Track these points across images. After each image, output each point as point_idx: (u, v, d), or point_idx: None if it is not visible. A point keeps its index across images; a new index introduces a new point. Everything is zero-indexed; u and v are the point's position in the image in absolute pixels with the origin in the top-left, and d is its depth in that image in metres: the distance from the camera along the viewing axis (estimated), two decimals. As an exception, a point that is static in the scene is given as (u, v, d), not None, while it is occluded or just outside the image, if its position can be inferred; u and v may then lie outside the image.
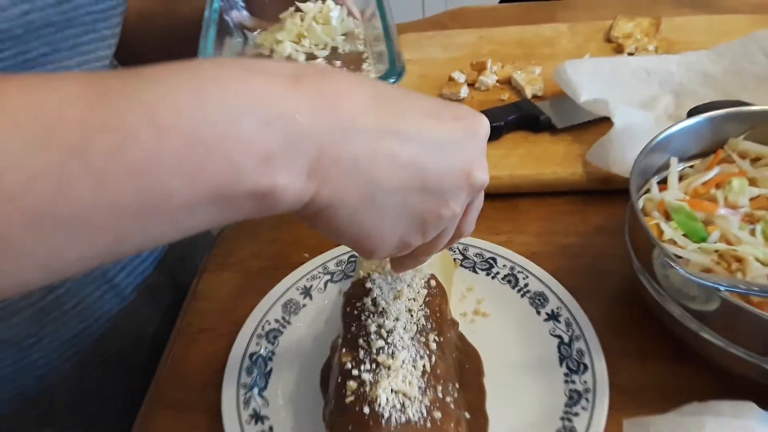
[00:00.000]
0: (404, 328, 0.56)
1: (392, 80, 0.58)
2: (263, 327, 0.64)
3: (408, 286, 0.59)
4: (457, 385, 0.56)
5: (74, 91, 0.28)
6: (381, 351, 0.53)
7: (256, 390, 0.59)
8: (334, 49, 0.68)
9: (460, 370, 0.58)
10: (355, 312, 0.58)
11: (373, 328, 0.55)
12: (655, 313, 0.60)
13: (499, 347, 0.62)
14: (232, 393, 0.58)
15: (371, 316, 0.56)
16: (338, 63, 0.66)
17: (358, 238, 0.41)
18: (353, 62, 0.66)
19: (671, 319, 0.56)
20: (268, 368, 0.61)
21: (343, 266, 0.69)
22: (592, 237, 0.73)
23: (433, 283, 0.61)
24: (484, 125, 0.44)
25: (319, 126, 0.34)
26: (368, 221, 0.39)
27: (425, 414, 0.51)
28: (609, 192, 0.76)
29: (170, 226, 0.31)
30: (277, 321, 0.65)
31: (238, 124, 0.31)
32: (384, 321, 0.56)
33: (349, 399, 0.52)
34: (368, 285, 0.59)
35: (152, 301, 0.75)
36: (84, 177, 0.27)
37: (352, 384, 0.52)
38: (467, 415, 0.56)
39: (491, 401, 0.58)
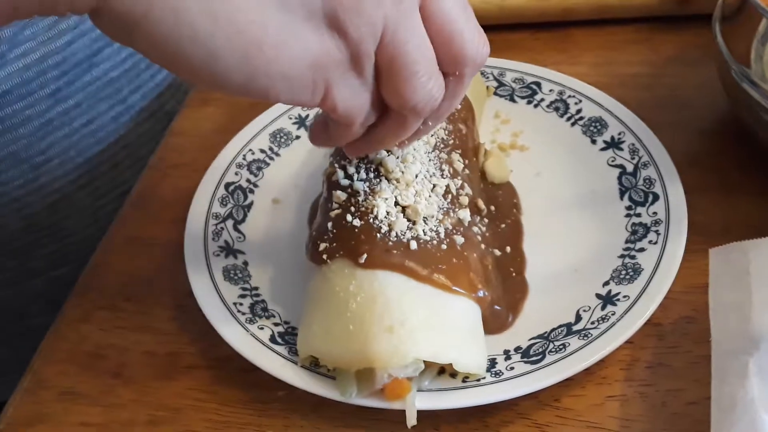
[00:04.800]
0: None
1: None
2: (245, 156, 0.52)
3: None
4: (486, 220, 0.43)
5: None
6: (385, 162, 0.40)
7: (230, 222, 0.48)
8: None
9: (489, 202, 0.45)
10: (352, 119, 0.45)
11: (373, 132, 0.42)
12: (756, 135, 0.45)
13: (540, 182, 0.48)
14: (199, 222, 0.47)
15: (372, 120, 0.43)
16: None
17: (226, 43, 0.27)
18: None
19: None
20: (248, 201, 0.49)
21: (349, 94, 0.56)
22: (666, 67, 0.57)
23: (456, 93, 0.47)
24: None
25: None
26: (219, 6, 0.26)
27: (442, 236, 0.38)
28: (682, 20, 0.60)
29: None
30: (263, 151, 0.53)
31: None
32: (388, 126, 0.42)
33: (335, 212, 0.39)
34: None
35: None
36: None
37: (340, 195, 0.40)
38: (497, 253, 0.43)
39: (529, 240, 0.45)
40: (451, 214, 0.39)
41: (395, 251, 0.36)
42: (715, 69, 0.49)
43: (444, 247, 0.38)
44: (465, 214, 0.40)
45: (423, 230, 0.37)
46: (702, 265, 0.41)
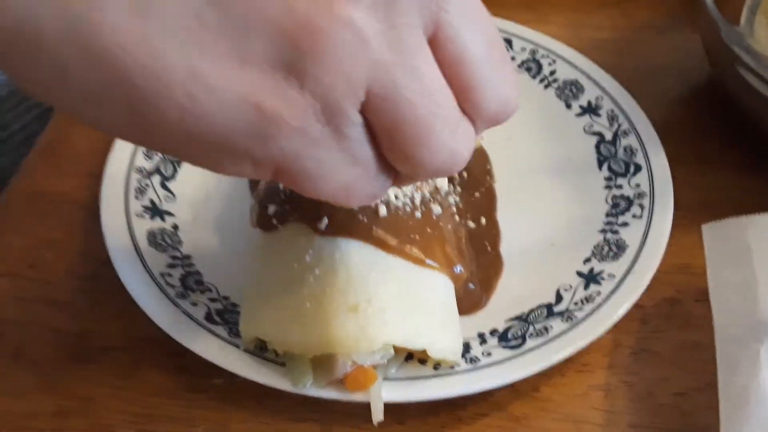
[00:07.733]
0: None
1: None
2: (177, 103, 0.45)
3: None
4: (459, 188, 0.39)
5: None
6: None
7: (157, 178, 0.41)
8: None
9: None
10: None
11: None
12: (739, 101, 0.42)
13: (512, 147, 0.44)
14: (120, 176, 0.40)
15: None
16: None
17: None
18: None
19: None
20: (180, 155, 0.43)
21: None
22: (637, 33, 0.54)
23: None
24: None
25: None
26: None
27: (417, 203, 0.33)
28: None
29: None
30: (198, 99, 0.45)
31: None
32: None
33: (290, 170, 0.33)
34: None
35: None
36: None
37: (295, 149, 0.34)
38: (471, 225, 0.38)
39: (503, 210, 0.40)
40: (429, 181, 0.35)
41: (361, 216, 0.31)
42: (689, 36, 0.47)
43: (418, 215, 0.33)
44: (443, 182, 0.35)
45: (395, 195, 0.32)
46: (684, 243, 0.38)
